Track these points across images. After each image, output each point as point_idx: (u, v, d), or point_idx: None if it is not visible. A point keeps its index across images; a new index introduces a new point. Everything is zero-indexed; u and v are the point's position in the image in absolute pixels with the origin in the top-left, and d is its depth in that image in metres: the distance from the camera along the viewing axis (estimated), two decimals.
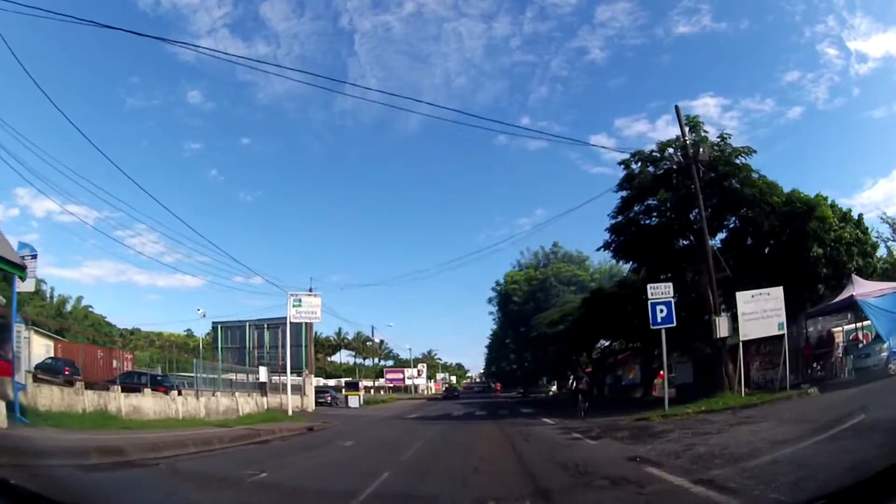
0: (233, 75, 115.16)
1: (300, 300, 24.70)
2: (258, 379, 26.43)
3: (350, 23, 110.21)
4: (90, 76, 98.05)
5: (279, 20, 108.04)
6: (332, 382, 62.62)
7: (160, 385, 21.97)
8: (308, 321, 25.45)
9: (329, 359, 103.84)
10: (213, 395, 21.99)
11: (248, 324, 37.49)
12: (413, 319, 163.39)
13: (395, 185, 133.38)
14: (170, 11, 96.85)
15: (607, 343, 38.68)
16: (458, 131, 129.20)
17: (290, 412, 24.00)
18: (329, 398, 42.89)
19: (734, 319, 18.15)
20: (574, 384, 39.29)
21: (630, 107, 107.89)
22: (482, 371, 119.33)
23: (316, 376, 79.64)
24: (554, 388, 64.82)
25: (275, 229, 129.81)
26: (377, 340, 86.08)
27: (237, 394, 23.56)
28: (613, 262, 52.45)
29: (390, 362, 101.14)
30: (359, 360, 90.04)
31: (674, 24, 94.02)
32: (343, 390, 47.21)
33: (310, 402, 32.14)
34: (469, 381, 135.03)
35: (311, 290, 34.34)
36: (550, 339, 37.77)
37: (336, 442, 14.44)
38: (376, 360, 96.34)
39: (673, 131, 23.41)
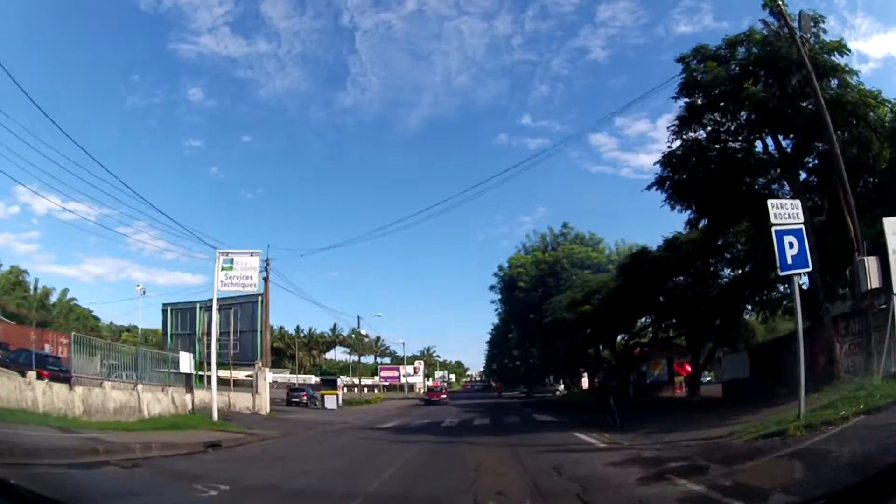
0: (234, 73, 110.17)
1: (231, 260, 17.66)
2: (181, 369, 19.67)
3: (351, 21, 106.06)
4: (91, 74, 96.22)
5: (280, 18, 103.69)
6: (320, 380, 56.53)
7: (46, 368, 16.33)
8: (240, 290, 18.59)
9: (324, 356, 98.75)
10: (99, 387, 15.34)
11: (198, 305, 30.54)
12: (412, 317, 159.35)
13: (395, 184, 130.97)
14: (171, 10, 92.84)
15: (640, 328, 31.96)
16: (459, 129, 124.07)
17: (214, 416, 17.20)
18: (305, 397, 37.30)
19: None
20: (602, 381, 32.28)
21: (631, 106, 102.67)
22: (482, 369, 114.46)
23: (309, 374, 74.16)
24: (562, 387, 58.82)
25: (274, 227, 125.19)
26: (372, 336, 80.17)
27: (140, 387, 16.84)
28: (633, 242, 46.50)
29: (387, 359, 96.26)
30: (354, 358, 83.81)
31: (675, 24, 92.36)
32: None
33: (264, 403, 25.31)
34: (469, 379, 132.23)
35: (267, 261, 27.83)
36: (567, 326, 30.92)
37: (197, 485, 7.20)
38: (373, 358, 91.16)
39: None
